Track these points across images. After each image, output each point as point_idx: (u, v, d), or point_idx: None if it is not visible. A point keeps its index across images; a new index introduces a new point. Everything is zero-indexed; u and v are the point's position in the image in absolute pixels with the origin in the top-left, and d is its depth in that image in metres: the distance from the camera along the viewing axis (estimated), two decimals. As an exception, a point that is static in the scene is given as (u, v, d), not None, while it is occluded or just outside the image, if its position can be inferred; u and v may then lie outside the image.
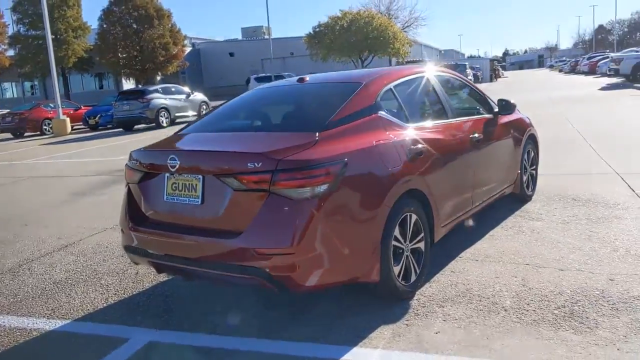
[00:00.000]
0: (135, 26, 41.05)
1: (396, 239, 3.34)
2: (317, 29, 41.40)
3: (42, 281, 4.57)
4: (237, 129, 3.87)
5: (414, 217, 3.49)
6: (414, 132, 3.71)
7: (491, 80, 48.38)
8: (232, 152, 3.14)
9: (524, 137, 5.49)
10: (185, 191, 3.20)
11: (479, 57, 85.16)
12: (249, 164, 2.91)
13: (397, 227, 3.33)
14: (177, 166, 3.17)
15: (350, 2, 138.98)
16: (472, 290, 3.57)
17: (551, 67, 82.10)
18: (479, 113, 4.84)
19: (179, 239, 3.20)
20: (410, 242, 3.49)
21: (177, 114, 22.84)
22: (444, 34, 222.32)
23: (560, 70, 60.01)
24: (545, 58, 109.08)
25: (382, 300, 3.48)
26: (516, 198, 5.57)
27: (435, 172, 3.73)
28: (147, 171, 3.43)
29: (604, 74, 34.15)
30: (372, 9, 48.59)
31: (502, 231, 4.78)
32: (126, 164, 3.74)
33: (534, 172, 5.87)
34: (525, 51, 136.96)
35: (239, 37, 67.76)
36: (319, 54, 41.59)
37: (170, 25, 42.38)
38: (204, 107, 25.01)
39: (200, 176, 3.13)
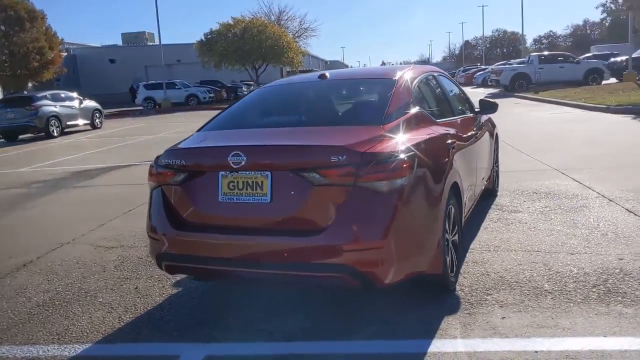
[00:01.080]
0: (3, 28, 37.21)
1: (445, 231, 3.41)
2: (209, 36, 40.52)
3: (21, 305, 4.00)
4: (283, 124, 3.67)
5: (454, 209, 3.59)
6: (444, 127, 3.82)
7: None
8: (314, 145, 3.00)
9: (494, 136, 5.87)
10: (247, 189, 3.00)
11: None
12: (332, 158, 2.81)
13: (446, 220, 3.40)
14: (243, 163, 2.96)
15: (241, 10, 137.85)
16: (506, 278, 3.74)
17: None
18: (466, 112, 5.10)
19: (243, 241, 3.00)
20: (451, 234, 3.58)
21: (68, 123, 21.08)
22: (328, 45, 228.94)
23: (436, 81, 64.36)
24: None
25: (426, 294, 3.52)
26: (486, 193, 5.91)
27: (460, 167, 3.87)
28: (194, 170, 3.16)
29: (479, 85, 37.44)
30: (262, 17, 48.71)
31: (492, 223, 5.07)
32: (155, 166, 3.41)
33: (497, 168, 6.29)
34: (401, 64, 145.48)
35: (119, 42, 64.29)
36: (211, 62, 40.73)
37: (44, 28, 38.99)
38: (97, 114, 23.38)
39: (268, 172, 2.96)
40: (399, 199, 2.87)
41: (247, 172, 3.00)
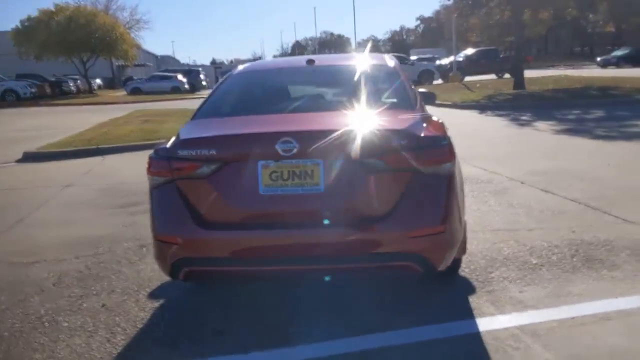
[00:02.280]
0: None
1: None
2: (26, 24, 35.97)
3: (-44, 342, 3.17)
4: (309, 109, 3.36)
5: None
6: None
7: (216, 87, 49.86)
8: (375, 130, 2.80)
9: None
10: (295, 179, 2.74)
11: (199, 64, 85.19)
12: (394, 142, 2.71)
13: None
14: (295, 150, 2.69)
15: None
16: (493, 256, 3.97)
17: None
18: None
19: (294, 236, 2.74)
20: None
21: None
22: (157, 39, 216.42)
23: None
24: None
25: (432, 279, 3.57)
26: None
27: None
28: (226, 161, 2.79)
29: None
30: (87, 6, 44.62)
31: (439, 208, 5.33)
32: (166, 158, 2.92)
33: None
34: (231, 61, 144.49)
35: None
36: (30, 52, 36.25)
37: None
38: None
39: (320, 160, 2.73)
40: (451, 182, 2.89)
41: (294, 161, 2.74)
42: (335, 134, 2.79)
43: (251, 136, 2.89)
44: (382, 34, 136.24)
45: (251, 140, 2.85)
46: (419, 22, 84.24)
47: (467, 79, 28.44)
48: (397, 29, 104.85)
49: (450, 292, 3.45)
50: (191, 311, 3.41)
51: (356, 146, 2.73)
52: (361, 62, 4.00)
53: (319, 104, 3.45)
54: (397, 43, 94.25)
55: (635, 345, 2.71)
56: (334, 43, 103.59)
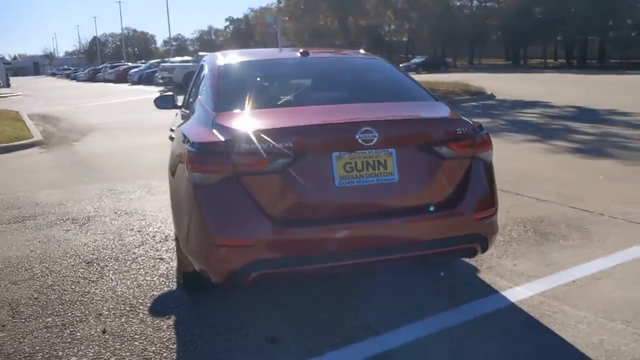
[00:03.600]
0: None
1: None
2: None
3: None
4: (346, 100, 3.26)
5: None
6: None
7: (8, 85, 43.79)
8: (441, 118, 2.91)
9: None
10: (369, 170, 2.70)
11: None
12: (458, 130, 2.86)
13: None
14: (375, 140, 2.66)
15: None
16: (465, 237, 4.36)
17: (54, 74, 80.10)
18: None
19: (374, 227, 2.71)
20: None
21: None
22: None
23: (73, 78, 59.28)
24: (42, 65, 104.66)
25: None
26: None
27: None
28: (300, 154, 2.61)
29: (136, 82, 36.62)
30: None
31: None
32: (225, 152, 2.61)
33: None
34: (15, 57, 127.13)
35: None
36: None
37: None
38: None
39: (393, 149, 2.74)
40: (492, 166, 3.14)
41: (368, 151, 2.71)
42: (409, 123, 2.84)
43: (331, 126, 2.76)
44: (189, 33, 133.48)
45: (330, 131, 2.73)
46: (228, 23, 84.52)
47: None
48: (206, 29, 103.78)
49: (459, 272, 3.71)
50: (216, 322, 3.10)
51: (427, 134, 2.85)
52: (363, 57, 4.10)
53: (366, 96, 3.42)
54: (206, 43, 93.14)
55: (637, 294, 3.27)
56: (136, 40, 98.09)
